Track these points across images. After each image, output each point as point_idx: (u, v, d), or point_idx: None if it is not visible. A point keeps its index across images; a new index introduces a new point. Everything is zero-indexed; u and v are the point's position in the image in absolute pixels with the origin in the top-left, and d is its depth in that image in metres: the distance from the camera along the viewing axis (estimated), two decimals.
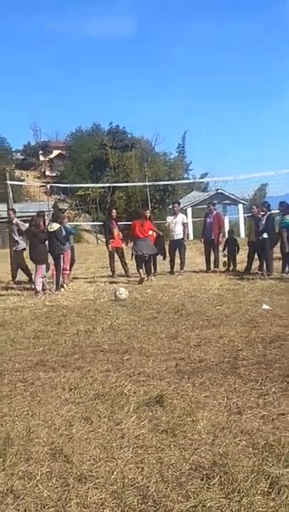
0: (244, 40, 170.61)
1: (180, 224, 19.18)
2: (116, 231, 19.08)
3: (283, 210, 17.87)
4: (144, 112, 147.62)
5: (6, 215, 21.87)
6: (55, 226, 15.45)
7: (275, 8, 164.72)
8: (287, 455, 4.44)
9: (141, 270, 16.98)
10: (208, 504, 3.76)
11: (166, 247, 19.56)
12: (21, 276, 17.85)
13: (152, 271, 17.80)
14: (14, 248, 17.35)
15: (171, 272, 18.71)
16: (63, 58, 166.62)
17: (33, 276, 15.61)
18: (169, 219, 19.56)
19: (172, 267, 19.03)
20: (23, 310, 12.34)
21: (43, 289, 14.86)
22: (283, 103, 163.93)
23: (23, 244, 17.28)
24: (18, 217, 18.23)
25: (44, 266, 15.12)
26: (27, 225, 17.31)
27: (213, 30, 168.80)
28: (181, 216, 19.63)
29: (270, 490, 3.96)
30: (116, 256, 18.73)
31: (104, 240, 20.74)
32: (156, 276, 17.72)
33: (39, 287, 14.70)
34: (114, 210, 20.80)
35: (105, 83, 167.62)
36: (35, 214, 16.72)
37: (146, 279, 16.89)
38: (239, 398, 5.97)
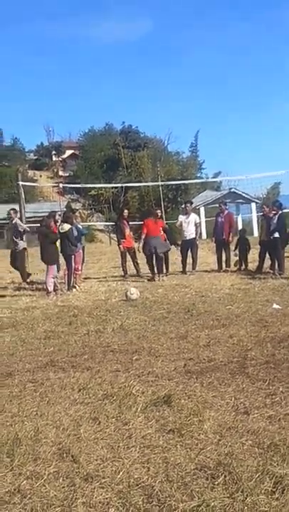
0: (259, 41, 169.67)
1: (192, 224, 19.19)
2: (128, 231, 19.09)
3: None
4: (157, 111, 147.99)
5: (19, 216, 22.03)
6: (66, 227, 15.51)
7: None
8: None
9: (152, 269, 17.19)
10: (212, 504, 3.80)
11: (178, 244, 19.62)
12: (34, 276, 17.95)
13: (164, 270, 17.84)
14: (14, 248, 17.36)
15: (183, 272, 18.72)
16: (77, 59, 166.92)
17: (44, 277, 15.63)
18: (182, 218, 19.49)
19: (184, 266, 19.03)
20: (35, 310, 12.41)
21: (55, 290, 14.91)
22: None
23: (22, 244, 17.28)
24: (31, 217, 18.33)
25: (55, 266, 15.15)
26: (25, 226, 17.44)
27: (229, 31, 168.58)
28: (193, 216, 19.64)
29: (274, 489, 3.99)
30: (128, 256, 18.78)
31: (116, 239, 20.71)
32: (168, 276, 17.75)
33: (50, 288, 14.76)
34: (125, 210, 20.81)
35: (118, 83, 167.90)
36: (46, 215, 16.82)
37: (158, 278, 16.95)
38: (247, 398, 6.00)
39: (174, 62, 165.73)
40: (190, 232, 19.12)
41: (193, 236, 19.21)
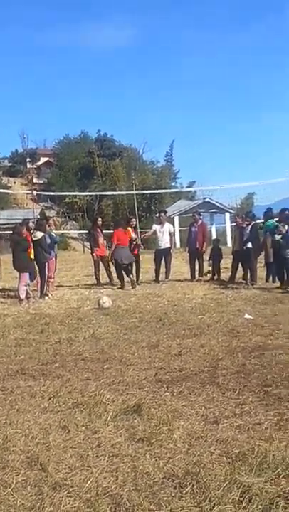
0: (236, 51, 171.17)
1: (167, 233, 19.31)
2: (101, 239, 19.10)
3: (266, 216, 18.13)
4: (133, 120, 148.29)
5: None
6: (39, 234, 15.49)
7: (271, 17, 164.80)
8: (260, 464, 4.49)
9: (120, 277, 17.56)
10: None
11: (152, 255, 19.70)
12: (6, 283, 17.89)
13: (135, 280, 17.92)
14: None
15: (156, 281, 18.77)
16: (53, 67, 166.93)
17: (16, 284, 15.56)
18: (156, 227, 19.62)
19: (157, 275, 19.10)
20: (6, 318, 12.34)
21: (27, 297, 14.85)
22: (271, 114, 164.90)
23: None
24: (4, 224, 18.24)
25: (27, 274, 15.08)
26: None
27: (204, 41, 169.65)
28: (167, 225, 19.77)
29: (242, 499, 4.01)
30: (101, 264, 18.80)
31: (90, 248, 20.74)
32: (140, 285, 17.77)
33: (23, 295, 14.69)
34: (99, 218, 20.83)
35: (94, 91, 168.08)
36: (19, 222, 16.76)
37: (125, 285, 17.12)
38: (216, 407, 6.02)
39: (151, 72, 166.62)
40: (164, 242, 19.23)
41: (168, 245, 19.31)
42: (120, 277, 17.69)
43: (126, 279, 17.56)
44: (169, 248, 19.43)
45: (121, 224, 19.33)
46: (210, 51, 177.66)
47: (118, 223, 19.99)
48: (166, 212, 22.63)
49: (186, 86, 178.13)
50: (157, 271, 19.19)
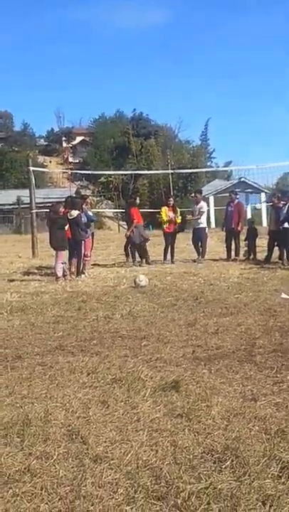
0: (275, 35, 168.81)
1: (197, 212, 19.42)
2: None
3: None
4: (169, 99, 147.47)
5: (29, 201, 22.09)
6: (75, 213, 15.55)
7: None
8: None
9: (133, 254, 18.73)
10: (219, 486, 3.85)
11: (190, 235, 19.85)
12: (43, 261, 18.07)
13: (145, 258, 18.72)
14: None
15: (195, 260, 18.91)
16: (88, 45, 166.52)
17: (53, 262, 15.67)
18: (195, 208, 19.87)
19: (198, 253, 19.28)
20: (44, 295, 12.47)
21: (64, 275, 14.96)
22: None
23: None
24: (41, 203, 18.41)
25: (64, 252, 15.19)
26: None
27: (241, 25, 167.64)
28: (201, 204, 19.78)
29: (281, 474, 4.04)
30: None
31: (126, 226, 20.89)
32: (174, 264, 17.89)
33: (60, 273, 14.79)
34: (138, 198, 20.88)
35: (130, 70, 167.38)
36: (56, 201, 16.86)
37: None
38: (254, 385, 6.05)
39: (188, 52, 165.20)
40: (200, 221, 19.32)
41: (203, 225, 19.40)
42: (132, 255, 18.51)
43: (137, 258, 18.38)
44: (205, 228, 19.54)
45: (134, 203, 19.52)
46: (247, 32, 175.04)
47: (132, 202, 20.08)
48: (201, 191, 22.65)
49: (224, 65, 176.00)
50: (197, 249, 19.34)
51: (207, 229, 20.21)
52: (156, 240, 21.47)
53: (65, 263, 15.43)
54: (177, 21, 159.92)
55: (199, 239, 19.38)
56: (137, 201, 20.08)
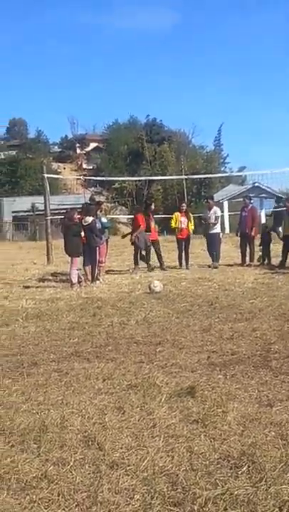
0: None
1: (214, 218, 19.45)
2: (152, 224, 19.23)
3: None
4: (182, 104, 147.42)
5: (44, 208, 22.17)
6: (89, 219, 15.60)
7: None
8: None
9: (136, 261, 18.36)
10: (236, 492, 3.85)
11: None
12: (57, 268, 18.12)
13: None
14: None
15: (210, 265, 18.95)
16: (100, 51, 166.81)
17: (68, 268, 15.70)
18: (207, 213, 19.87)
19: (212, 259, 19.35)
20: (59, 302, 12.51)
21: (79, 281, 15.00)
22: None
23: None
24: (55, 209, 18.51)
25: (78, 258, 15.22)
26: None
27: (255, 26, 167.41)
28: (214, 209, 19.84)
29: None
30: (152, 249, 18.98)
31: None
32: (189, 270, 17.90)
33: (74, 279, 14.83)
34: (153, 204, 20.92)
35: (143, 76, 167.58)
36: (70, 207, 16.93)
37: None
38: (270, 391, 6.04)
39: (201, 56, 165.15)
40: (213, 227, 19.41)
41: (216, 231, 19.46)
42: (136, 261, 18.30)
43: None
44: (219, 233, 19.63)
45: (140, 209, 19.60)
46: (260, 33, 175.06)
47: (138, 209, 20.25)
48: (213, 197, 22.78)
49: (235, 68, 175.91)
50: (211, 255, 19.38)
51: (221, 234, 20.25)
52: (171, 246, 21.47)
53: (80, 269, 15.47)
54: (188, 23, 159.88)
55: (213, 244, 19.40)
56: (152, 207, 20.11)
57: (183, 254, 19.31)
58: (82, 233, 15.16)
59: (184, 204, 20.19)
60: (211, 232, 19.52)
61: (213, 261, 19.16)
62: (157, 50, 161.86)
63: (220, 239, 19.82)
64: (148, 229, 18.91)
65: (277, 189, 51.75)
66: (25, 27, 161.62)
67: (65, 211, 17.49)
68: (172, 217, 19.95)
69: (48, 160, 72.55)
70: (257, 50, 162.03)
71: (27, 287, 15.19)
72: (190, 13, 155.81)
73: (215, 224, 19.49)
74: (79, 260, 15.30)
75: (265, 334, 8.66)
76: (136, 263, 18.37)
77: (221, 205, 41.81)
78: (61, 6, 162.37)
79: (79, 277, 15.07)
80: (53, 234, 22.93)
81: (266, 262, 19.03)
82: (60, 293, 13.86)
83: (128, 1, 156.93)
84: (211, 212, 19.58)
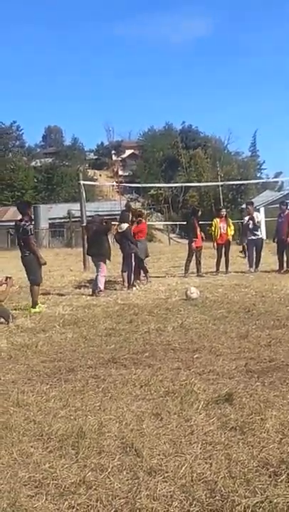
0: None
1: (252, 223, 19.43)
2: (198, 230, 19.20)
3: None
4: (218, 110, 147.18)
5: (79, 215, 22.29)
6: (124, 226, 15.65)
7: None
8: None
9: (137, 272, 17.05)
10: (275, 500, 3.82)
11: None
12: (94, 274, 18.16)
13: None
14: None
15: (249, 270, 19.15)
16: (137, 59, 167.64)
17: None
18: (246, 219, 19.82)
19: (251, 265, 19.55)
20: (96, 308, 12.55)
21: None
22: None
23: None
24: (91, 216, 18.59)
25: (105, 264, 15.19)
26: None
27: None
28: (255, 214, 19.86)
29: None
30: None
31: (176, 239, 20.99)
32: (227, 275, 17.86)
33: (102, 286, 14.82)
34: (199, 210, 20.81)
35: (179, 83, 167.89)
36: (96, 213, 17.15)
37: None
38: None
39: (234, 62, 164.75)
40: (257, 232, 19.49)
41: (257, 236, 19.44)
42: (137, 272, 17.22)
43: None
44: (261, 239, 19.64)
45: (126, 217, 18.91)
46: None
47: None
48: (252, 203, 22.67)
49: (268, 74, 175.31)
50: (250, 260, 19.41)
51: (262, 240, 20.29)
52: (206, 252, 21.42)
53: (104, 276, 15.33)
54: (219, 31, 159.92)
55: (257, 249, 19.44)
56: (199, 213, 20.02)
57: (222, 259, 19.30)
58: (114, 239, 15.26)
59: (223, 210, 20.17)
60: (249, 238, 19.51)
61: (250, 266, 19.22)
62: (193, 57, 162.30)
63: (259, 245, 19.76)
64: (195, 235, 18.89)
65: None
66: (63, 37, 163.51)
67: (90, 217, 17.49)
68: (211, 224, 19.95)
69: (83, 167, 73.27)
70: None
71: (64, 294, 15.27)
72: (224, 20, 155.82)
73: (255, 229, 19.44)
74: (106, 266, 15.23)
75: None
76: (146, 271, 17.80)
77: (257, 212, 41.63)
78: (95, 18, 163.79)
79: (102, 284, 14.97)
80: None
81: None
82: (97, 299, 13.91)
83: (161, 9, 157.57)
84: (248, 217, 19.54)
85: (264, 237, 21.05)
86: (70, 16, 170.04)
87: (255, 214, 19.85)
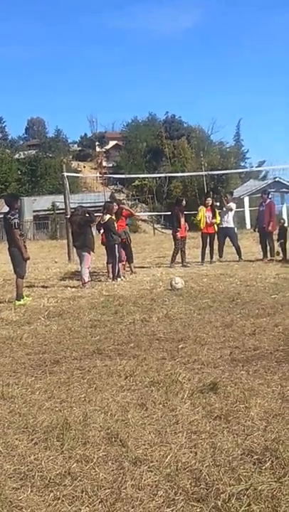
0: None
1: (229, 212, 19.62)
2: (182, 221, 19.24)
3: None
4: (201, 100, 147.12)
5: (64, 207, 22.23)
6: (106, 217, 15.65)
7: None
8: None
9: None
10: (260, 487, 3.83)
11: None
12: (78, 266, 18.15)
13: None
14: None
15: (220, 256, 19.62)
16: (120, 49, 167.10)
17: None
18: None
19: (220, 253, 19.98)
20: (81, 300, 12.54)
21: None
22: None
23: None
24: (73, 208, 18.54)
25: (90, 256, 15.16)
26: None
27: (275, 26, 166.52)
28: (229, 204, 19.98)
29: None
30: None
31: (161, 229, 21.04)
32: (212, 264, 17.94)
33: (87, 277, 14.80)
34: (184, 200, 20.75)
35: (162, 73, 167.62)
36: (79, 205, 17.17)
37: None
38: None
39: (218, 53, 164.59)
40: (225, 220, 19.64)
41: (230, 225, 19.64)
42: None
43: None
44: (232, 228, 19.89)
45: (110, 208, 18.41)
46: (275, 33, 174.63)
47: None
48: (232, 193, 23.00)
49: (254, 65, 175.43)
50: (221, 250, 19.96)
51: (236, 229, 20.49)
52: (191, 242, 21.47)
53: (89, 267, 15.32)
54: (207, 22, 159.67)
55: (224, 238, 19.57)
56: (183, 203, 19.96)
57: (206, 249, 19.37)
58: (102, 231, 15.21)
59: (209, 198, 20.15)
60: (224, 226, 19.63)
61: (218, 255, 19.49)
62: (176, 48, 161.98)
63: (235, 234, 20.03)
64: (178, 225, 18.95)
65: None
66: (47, 29, 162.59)
67: (73, 210, 17.42)
68: (197, 212, 20.00)
69: (67, 159, 73.01)
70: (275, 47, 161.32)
71: (48, 286, 15.24)
72: (210, 11, 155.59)
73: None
74: (90, 258, 15.21)
75: (287, 329, 8.60)
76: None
77: (241, 201, 41.69)
78: (82, 7, 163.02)
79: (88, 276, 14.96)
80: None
81: (281, 256, 18.93)
82: (82, 291, 13.89)
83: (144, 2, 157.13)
84: (227, 205, 19.69)
85: (248, 227, 21.24)
86: (54, 8, 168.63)
87: (229, 204, 19.96)
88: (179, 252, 18.98)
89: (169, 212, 26.85)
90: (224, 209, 19.64)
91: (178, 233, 18.92)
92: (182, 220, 19.23)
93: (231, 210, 20.01)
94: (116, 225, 16.19)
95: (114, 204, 17.10)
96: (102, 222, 15.67)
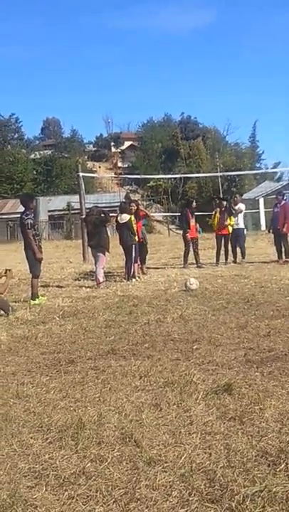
0: None
1: (239, 214, 19.67)
2: (192, 222, 19.23)
3: None
4: (217, 101, 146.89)
5: (79, 207, 22.26)
6: (125, 217, 15.64)
7: None
8: None
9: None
10: (274, 489, 3.82)
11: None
12: (93, 266, 18.18)
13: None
14: None
15: (234, 261, 19.58)
16: (136, 50, 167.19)
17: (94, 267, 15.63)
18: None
19: (235, 256, 19.88)
20: (95, 300, 12.56)
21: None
22: None
23: None
24: (88, 208, 18.53)
25: (105, 257, 15.17)
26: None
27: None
28: (238, 205, 19.98)
29: None
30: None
31: (175, 230, 21.08)
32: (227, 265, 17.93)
33: (101, 278, 14.83)
34: (194, 202, 20.76)
35: (178, 74, 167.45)
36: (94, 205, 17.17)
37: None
38: None
39: (234, 53, 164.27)
40: (237, 222, 19.68)
41: (240, 226, 19.68)
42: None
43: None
44: (243, 229, 19.92)
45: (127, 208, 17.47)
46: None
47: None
48: (241, 194, 22.99)
49: (267, 65, 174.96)
50: (234, 252, 19.97)
51: (246, 230, 20.43)
52: (206, 243, 21.45)
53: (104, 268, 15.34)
54: (222, 20, 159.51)
55: (237, 240, 19.56)
56: (194, 205, 20.03)
57: (221, 250, 19.39)
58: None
59: (224, 202, 20.23)
60: (236, 227, 19.64)
61: (243, 257, 19.50)
62: (191, 48, 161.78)
63: (244, 235, 20.00)
64: (188, 226, 18.97)
65: None
66: (61, 30, 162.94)
67: (88, 210, 17.41)
68: (212, 214, 20.08)
69: (83, 159, 73.04)
70: None
71: (63, 286, 15.28)
72: (225, 12, 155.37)
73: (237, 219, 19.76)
74: (105, 258, 15.23)
75: None
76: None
77: (256, 202, 41.59)
78: (96, 8, 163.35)
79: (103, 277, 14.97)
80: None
81: None
82: (96, 291, 13.92)
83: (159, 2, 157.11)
84: (236, 207, 19.66)
85: (263, 228, 21.20)
86: (67, 8, 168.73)
87: (238, 205, 19.95)
88: (192, 252, 19.00)
89: (179, 214, 26.91)
90: (234, 212, 19.62)
91: (188, 234, 18.92)
92: (192, 221, 19.23)
93: (241, 212, 20.01)
94: (135, 225, 16.19)
95: (133, 204, 17.04)
96: (121, 222, 15.68)
